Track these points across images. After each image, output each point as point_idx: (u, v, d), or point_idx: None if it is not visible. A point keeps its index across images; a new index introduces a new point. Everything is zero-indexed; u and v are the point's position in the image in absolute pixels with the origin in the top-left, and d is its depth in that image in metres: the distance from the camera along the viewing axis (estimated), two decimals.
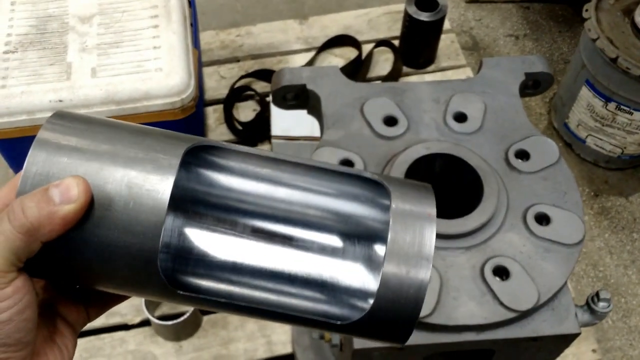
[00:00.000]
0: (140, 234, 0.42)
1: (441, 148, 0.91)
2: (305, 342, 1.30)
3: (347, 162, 0.90)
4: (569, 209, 0.87)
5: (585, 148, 2.01)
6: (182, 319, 1.34)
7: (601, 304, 0.88)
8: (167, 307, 1.48)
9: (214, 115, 1.78)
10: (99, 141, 0.43)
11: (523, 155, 0.92)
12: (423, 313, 0.77)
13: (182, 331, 1.40)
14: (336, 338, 0.97)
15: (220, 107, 1.77)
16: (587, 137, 1.97)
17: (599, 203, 1.94)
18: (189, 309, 1.37)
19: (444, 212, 1.03)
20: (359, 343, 0.78)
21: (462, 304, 0.79)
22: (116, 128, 0.45)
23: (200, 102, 1.39)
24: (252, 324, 1.44)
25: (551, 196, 0.88)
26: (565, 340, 0.82)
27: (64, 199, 0.40)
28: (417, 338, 0.78)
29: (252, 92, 1.80)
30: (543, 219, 0.86)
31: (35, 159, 0.42)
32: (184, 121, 1.29)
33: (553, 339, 0.81)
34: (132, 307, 1.43)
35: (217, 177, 0.52)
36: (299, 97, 1.02)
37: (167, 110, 1.25)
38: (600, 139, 1.93)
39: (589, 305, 0.89)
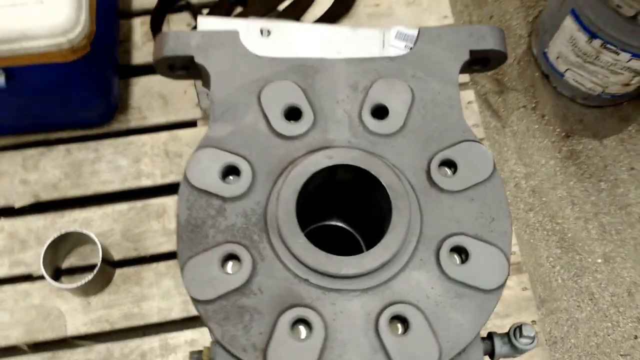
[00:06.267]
0: None
1: (347, 158, 0.74)
2: None
3: (232, 170, 0.73)
4: (494, 243, 0.72)
5: (563, 82, 1.81)
6: (87, 279, 1.23)
7: (523, 340, 0.78)
8: (75, 258, 1.36)
9: (141, 29, 1.54)
10: None
11: (449, 165, 0.76)
12: None
13: (90, 288, 1.29)
14: None
15: (149, 18, 1.54)
16: (566, 71, 1.77)
17: (568, 145, 1.76)
18: (97, 263, 1.25)
19: (349, 239, 0.88)
20: None
21: None
22: None
23: (101, 38, 1.17)
24: (168, 281, 1.33)
25: (475, 224, 0.73)
26: None
27: None
28: None
29: (186, 2, 1.55)
30: (460, 254, 0.72)
31: None
32: (78, 63, 1.08)
33: None
34: (37, 256, 1.30)
35: None
36: (189, 69, 0.82)
37: (53, 52, 1.04)
38: (580, 75, 1.73)
39: (510, 338, 0.78)
